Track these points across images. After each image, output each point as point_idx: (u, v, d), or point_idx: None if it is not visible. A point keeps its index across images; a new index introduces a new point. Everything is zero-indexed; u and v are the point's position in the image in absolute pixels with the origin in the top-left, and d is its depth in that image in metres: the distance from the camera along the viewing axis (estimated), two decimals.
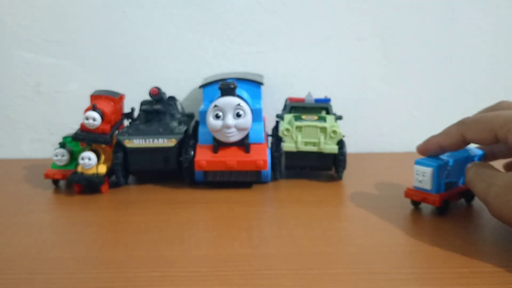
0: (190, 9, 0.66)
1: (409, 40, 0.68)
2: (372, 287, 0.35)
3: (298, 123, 0.55)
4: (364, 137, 0.70)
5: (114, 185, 0.56)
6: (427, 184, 0.45)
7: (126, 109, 0.58)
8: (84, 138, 0.53)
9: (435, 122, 0.70)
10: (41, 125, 0.69)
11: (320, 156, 0.56)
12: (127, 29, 0.67)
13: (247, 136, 0.54)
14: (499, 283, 0.35)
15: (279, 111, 0.60)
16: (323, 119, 0.56)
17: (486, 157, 0.48)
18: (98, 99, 0.55)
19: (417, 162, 0.46)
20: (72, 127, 0.67)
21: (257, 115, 0.55)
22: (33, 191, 0.55)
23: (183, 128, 0.55)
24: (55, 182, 0.56)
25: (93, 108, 0.53)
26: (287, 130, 0.55)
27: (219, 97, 0.53)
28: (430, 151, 0.46)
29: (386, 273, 0.36)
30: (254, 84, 0.60)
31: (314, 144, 0.55)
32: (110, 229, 0.45)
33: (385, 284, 0.35)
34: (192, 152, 0.55)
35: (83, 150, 0.54)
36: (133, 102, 0.59)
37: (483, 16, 0.67)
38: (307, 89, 0.68)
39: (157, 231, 0.44)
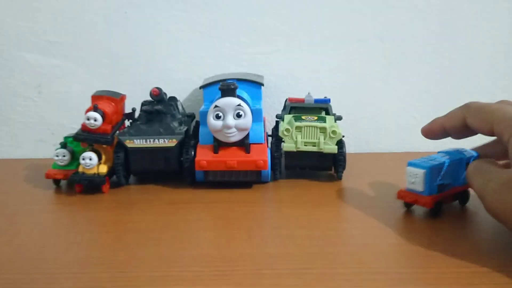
0: (191, 10, 0.66)
1: (409, 41, 0.68)
2: (372, 287, 0.35)
3: (298, 123, 0.55)
4: (363, 137, 0.70)
5: (115, 185, 0.56)
6: (419, 186, 0.45)
7: (127, 110, 0.58)
8: (85, 138, 0.53)
9: None
10: (42, 125, 0.69)
11: (320, 156, 0.56)
12: (128, 30, 0.67)
13: (247, 136, 0.54)
14: (499, 283, 0.35)
15: (279, 111, 0.60)
16: (322, 119, 0.56)
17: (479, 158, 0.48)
18: (99, 99, 0.55)
19: (410, 164, 0.46)
20: (73, 128, 0.67)
21: (257, 115, 0.56)
22: (34, 191, 0.55)
23: (183, 128, 0.56)
24: (56, 182, 0.56)
25: (94, 108, 0.53)
26: (287, 130, 0.55)
27: (219, 97, 0.54)
28: (433, 132, 0.46)
29: (386, 273, 0.36)
30: (255, 84, 0.60)
31: (314, 144, 0.55)
32: (111, 229, 0.45)
33: (385, 284, 0.35)
34: (193, 152, 0.55)
35: (84, 150, 0.54)
36: (134, 102, 0.59)
37: (483, 17, 0.67)
38: (307, 89, 0.68)
39: (157, 231, 0.44)
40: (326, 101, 0.59)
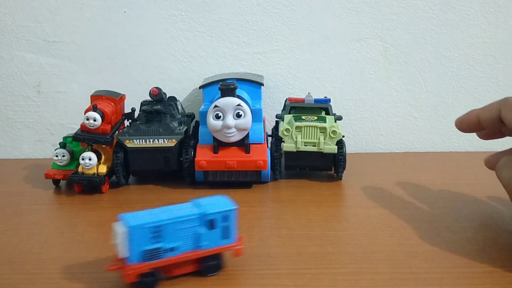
0: (191, 10, 0.66)
1: (409, 41, 0.68)
2: (372, 287, 0.35)
3: (298, 123, 0.55)
4: (363, 137, 0.70)
5: (115, 185, 0.56)
6: (122, 249, 0.34)
7: (127, 110, 0.58)
8: (84, 138, 0.53)
9: (435, 123, 0.70)
10: (41, 125, 0.69)
11: (320, 156, 0.56)
12: (128, 29, 0.67)
13: (247, 136, 0.54)
14: (499, 283, 0.35)
15: (279, 111, 0.60)
16: (322, 119, 0.56)
17: None
18: (99, 99, 0.55)
19: (121, 218, 0.35)
20: (73, 127, 0.67)
21: (257, 115, 0.56)
22: (33, 191, 0.55)
23: (183, 128, 0.55)
24: (56, 182, 0.56)
25: (94, 108, 0.53)
26: (287, 130, 0.55)
27: (219, 97, 0.53)
28: (467, 122, 0.44)
29: (386, 273, 0.36)
30: (254, 84, 0.60)
31: (314, 144, 0.55)
32: (111, 229, 0.45)
33: (385, 284, 0.35)
34: (192, 152, 0.55)
35: (84, 150, 0.54)
36: (133, 102, 0.59)
37: (483, 16, 0.67)
38: (307, 89, 0.68)
39: None
40: (326, 101, 0.59)
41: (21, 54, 0.67)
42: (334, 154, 0.56)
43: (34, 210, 0.50)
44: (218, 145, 0.54)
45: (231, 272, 0.37)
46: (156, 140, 0.54)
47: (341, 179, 0.57)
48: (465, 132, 0.46)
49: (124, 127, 0.57)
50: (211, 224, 0.36)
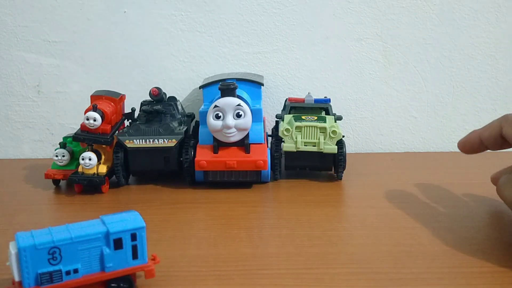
0: (190, 10, 0.66)
1: (409, 41, 0.68)
2: (372, 287, 0.35)
3: (298, 123, 0.55)
4: (363, 137, 0.70)
5: (115, 185, 0.56)
6: (14, 273, 0.31)
7: (127, 110, 0.58)
8: (84, 138, 0.53)
9: (434, 123, 0.70)
10: (41, 125, 0.69)
11: (320, 156, 0.56)
12: (128, 29, 0.67)
13: (247, 136, 0.54)
14: (499, 283, 0.35)
15: (279, 111, 0.60)
16: (322, 119, 0.56)
17: None
18: (99, 99, 0.55)
19: (16, 237, 0.32)
20: (73, 127, 0.67)
21: (257, 115, 0.56)
22: (33, 191, 0.55)
23: (183, 128, 0.55)
24: (56, 182, 0.56)
25: (94, 108, 0.53)
26: (287, 130, 0.55)
27: (219, 97, 0.53)
28: (470, 143, 0.44)
29: (386, 273, 0.36)
30: (254, 84, 0.60)
31: (314, 144, 0.55)
32: None
33: (385, 284, 0.35)
34: (192, 152, 0.55)
35: (84, 150, 0.54)
36: (133, 102, 0.59)
37: (483, 16, 0.67)
38: (306, 89, 0.68)
39: (157, 231, 0.44)
40: (326, 101, 0.59)
41: (21, 54, 0.67)
42: (334, 154, 0.56)
43: (34, 210, 0.50)
44: (218, 145, 0.54)
45: (231, 272, 0.37)
46: (156, 140, 0.54)
47: (341, 179, 0.57)
48: (469, 154, 0.46)
49: (124, 127, 0.57)
50: (117, 244, 0.33)
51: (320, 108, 0.59)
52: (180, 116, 0.58)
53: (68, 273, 0.32)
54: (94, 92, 0.57)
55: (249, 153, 0.54)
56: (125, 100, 0.59)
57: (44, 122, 0.69)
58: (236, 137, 0.54)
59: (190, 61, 0.68)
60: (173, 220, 0.46)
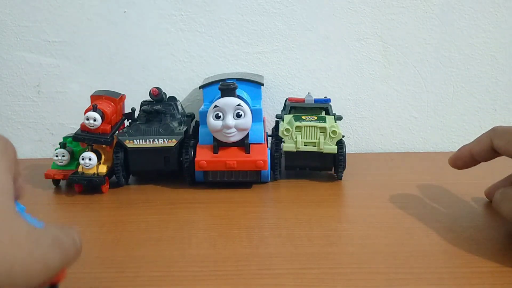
0: (190, 9, 0.66)
1: (409, 41, 0.68)
2: (372, 287, 0.35)
3: (298, 123, 0.55)
4: (363, 137, 0.70)
5: (115, 185, 0.56)
6: None
7: (127, 110, 0.58)
8: (84, 138, 0.53)
9: (435, 123, 0.70)
10: (41, 125, 0.69)
11: (320, 156, 0.56)
12: (127, 29, 0.67)
13: (247, 136, 0.54)
14: (499, 283, 0.35)
15: (279, 111, 0.60)
16: (322, 119, 0.56)
17: None
18: (99, 99, 0.55)
19: None
20: (73, 128, 0.67)
21: (257, 115, 0.56)
22: (33, 191, 0.55)
23: (183, 128, 0.55)
24: (56, 182, 0.56)
25: (94, 108, 0.53)
26: (287, 130, 0.55)
27: (219, 97, 0.53)
28: (461, 159, 0.45)
29: (386, 273, 0.36)
30: (254, 84, 0.60)
31: (314, 144, 0.55)
32: (111, 229, 0.45)
33: (385, 284, 0.35)
34: (192, 152, 0.55)
35: (84, 150, 0.54)
36: (133, 102, 0.59)
37: (483, 16, 0.67)
38: (306, 89, 0.68)
39: (157, 231, 0.44)
40: (326, 101, 0.59)
41: (21, 54, 0.67)
42: (334, 154, 0.56)
43: (34, 210, 0.49)
44: (218, 145, 0.54)
45: (231, 272, 0.37)
46: (156, 140, 0.54)
47: (341, 179, 0.57)
48: (461, 169, 0.46)
49: (124, 127, 0.57)
50: None
51: (320, 108, 0.59)
52: (180, 116, 0.58)
53: None
54: (94, 92, 0.57)
55: (249, 153, 0.54)
56: (125, 100, 0.59)
57: (44, 122, 0.69)
58: (236, 137, 0.54)
59: (190, 61, 0.68)
60: (173, 220, 0.46)
